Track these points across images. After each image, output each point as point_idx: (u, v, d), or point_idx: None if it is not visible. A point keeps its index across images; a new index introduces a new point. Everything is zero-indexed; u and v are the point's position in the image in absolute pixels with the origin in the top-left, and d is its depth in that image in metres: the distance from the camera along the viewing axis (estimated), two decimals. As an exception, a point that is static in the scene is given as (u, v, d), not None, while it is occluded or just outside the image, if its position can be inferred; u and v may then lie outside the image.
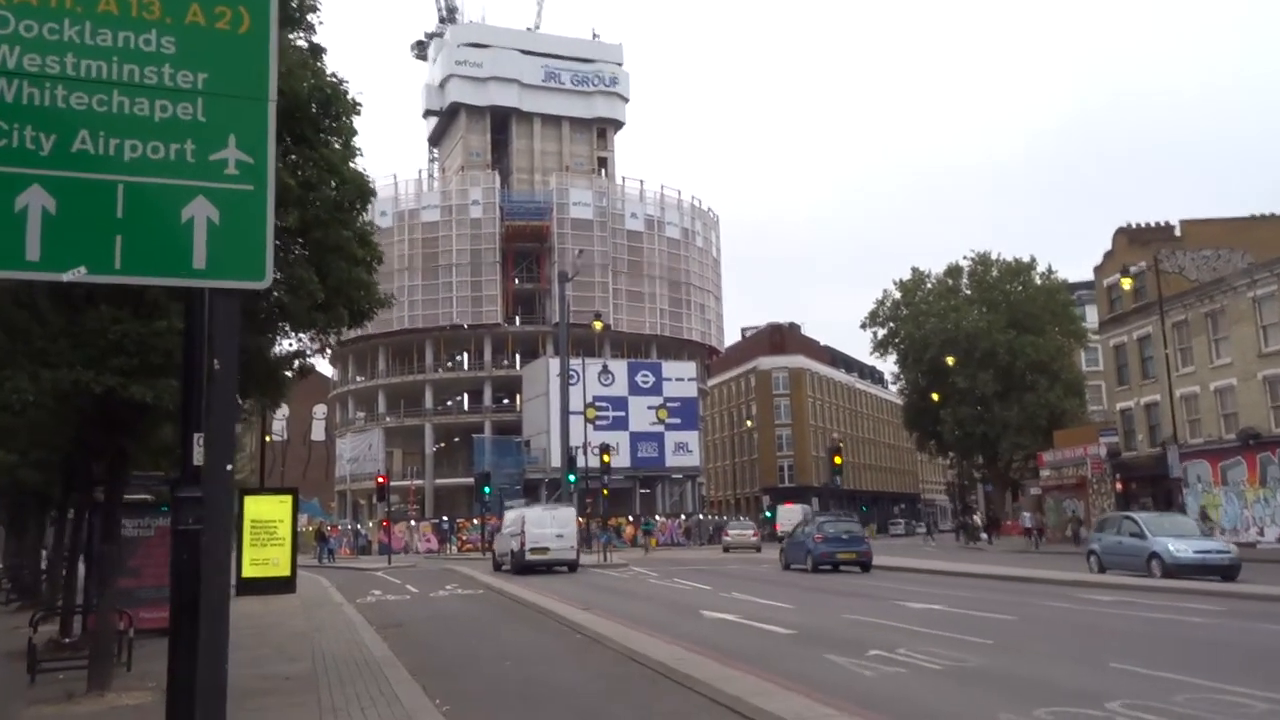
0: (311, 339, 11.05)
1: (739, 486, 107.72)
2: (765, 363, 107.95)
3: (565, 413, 39.71)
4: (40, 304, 9.59)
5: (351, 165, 10.15)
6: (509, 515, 35.36)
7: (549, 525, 31.11)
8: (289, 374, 11.26)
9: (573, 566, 31.02)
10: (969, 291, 73.06)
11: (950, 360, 59.27)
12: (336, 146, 10.02)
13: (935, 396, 67.47)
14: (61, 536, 19.07)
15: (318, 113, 9.86)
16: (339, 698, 9.10)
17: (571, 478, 38.68)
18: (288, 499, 23.93)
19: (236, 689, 9.91)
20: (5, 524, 32.77)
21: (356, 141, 10.34)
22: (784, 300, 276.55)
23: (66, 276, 4.12)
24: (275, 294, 9.34)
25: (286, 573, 23.26)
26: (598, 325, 40.30)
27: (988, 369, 65.02)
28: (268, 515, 23.30)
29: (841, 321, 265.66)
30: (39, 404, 8.72)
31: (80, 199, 4.14)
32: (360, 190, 9.92)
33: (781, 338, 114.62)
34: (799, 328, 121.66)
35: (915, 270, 74.30)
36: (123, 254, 4.17)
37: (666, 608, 18.33)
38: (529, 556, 30.13)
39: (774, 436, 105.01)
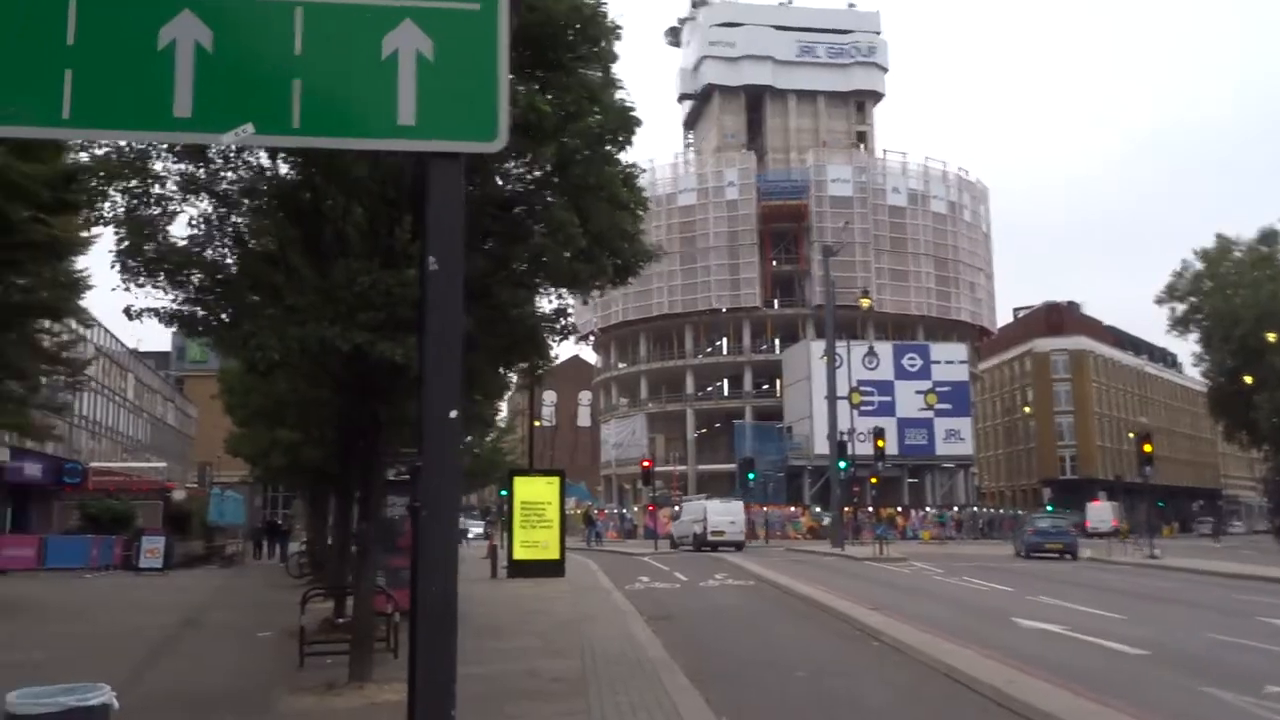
0: (573, 294, 9.85)
1: (1014, 477, 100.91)
2: (1042, 345, 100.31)
3: (832, 396, 37.58)
4: (292, 259, 8.96)
5: (612, 96, 8.83)
6: (689, 506, 44.91)
7: (725, 514, 39.95)
8: (551, 337, 10.11)
9: (739, 546, 38.89)
10: (1287, 259, 64.37)
11: (1270, 337, 51.88)
12: (596, 75, 8.72)
13: (1248, 379, 59.80)
14: (342, 513, 19.30)
15: (574, 38, 8.59)
16: (611, 708, 7.83)
17: (842, 464, 36.52)
18: (555, 480, 23.47)
19: (499, 688, 8.90)
20: (308, 500, 34.78)
21: (616, 70, 9.00)
22: (1059, 278, 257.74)
23: (226, 138, 2.88)
24: (531, 239, 8.18)
25: (556, 556, 22.79)
26: (865, 303, 37.82)
27: (1314, 347, 56.83)
28: (536, 497, 22.93)
29: (1126, 300, 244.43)
30: (285, 363, 7.98)
31: (245, 29, 2.88)
32: (624, 120, 8.55)
33: (1060, 317, 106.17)
34: (1078, 306, 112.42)
35: (1220, 237, 66.12)
36: (303, 106, 2.87)
37: (966, 611, 16.08)
38: (710, 537, 38.72)
39: (1053, 424, 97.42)
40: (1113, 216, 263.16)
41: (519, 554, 22.44)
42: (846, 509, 45.82)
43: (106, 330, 43.46)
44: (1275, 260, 64.05)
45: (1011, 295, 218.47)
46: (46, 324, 20.83)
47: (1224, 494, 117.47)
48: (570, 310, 9.95)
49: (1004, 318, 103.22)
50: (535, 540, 22.58)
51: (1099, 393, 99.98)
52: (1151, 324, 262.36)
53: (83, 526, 29.26)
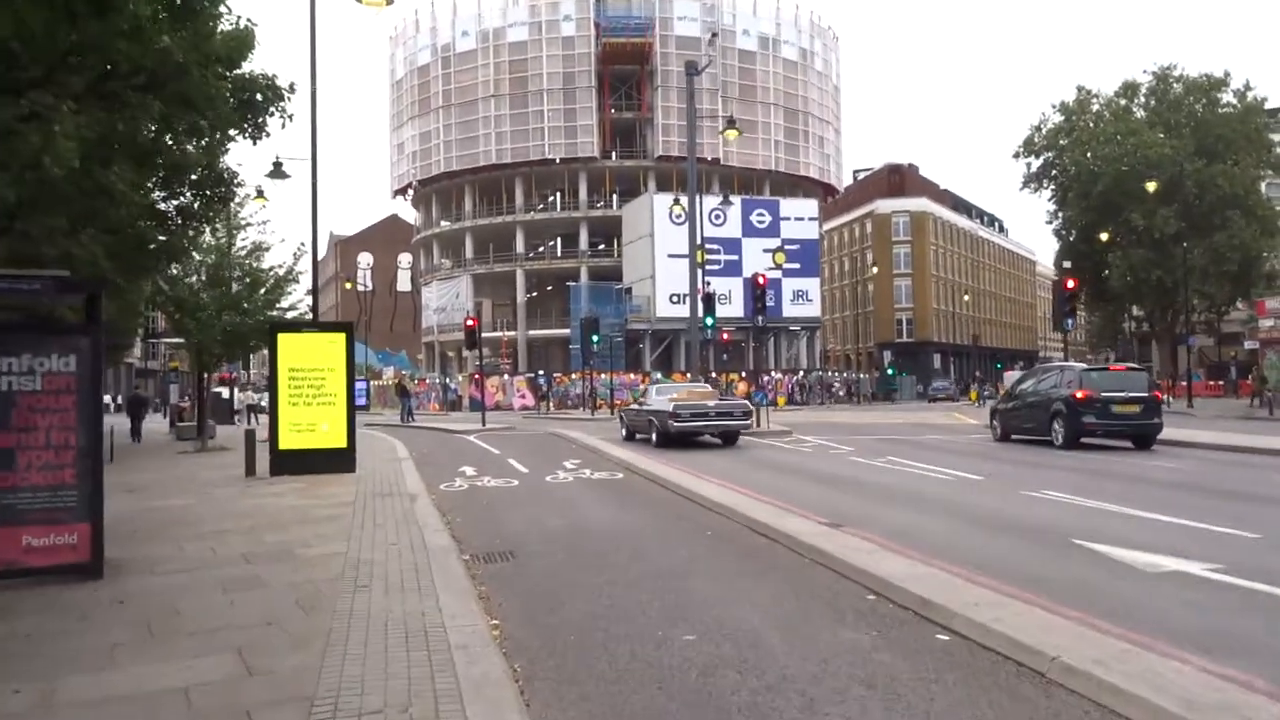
0: None
1: (853, 340, 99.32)
2: (883, 206, 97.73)
3: (693, 244, 31.67)
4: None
5: None
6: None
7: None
8: None
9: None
10: (1143, 113, 62.19)
11: (1150, 186, 48.88)
12: None
13: (1104, 236, 57.78)
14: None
15: None
16: None
17: (709, 321, 30.74)
18: (340, 338, 16.52)
19: None
20: None
21: None
22: (897, 139, 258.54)
23: None
24: None
25: (342, 443, 16.18)
26: (731, 134, 31.64)
27: (1170, 204, 54.92)
28: (312, 362, 16.07)
29: (960, 162, 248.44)
30: None
31: None
32: None
33: (901, 179, 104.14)
34: (917, 169, 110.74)
35: (1081, 89, 63.38)
36: None
37: (977, 525, 10.54)
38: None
39: (892, 287, 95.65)
40: (954, 75, 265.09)
41: (285, 442, 15.61)
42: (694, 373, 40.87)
43: None
44: (1133, 114, 61.75)
45: (852, 157, 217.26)
46: None
47: (1039, 356, 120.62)
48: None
49: (847, 178, 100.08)
50: (311, 422, 15.82)
51: (936, 256, 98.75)
52: (984, 189, 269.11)
53: None
